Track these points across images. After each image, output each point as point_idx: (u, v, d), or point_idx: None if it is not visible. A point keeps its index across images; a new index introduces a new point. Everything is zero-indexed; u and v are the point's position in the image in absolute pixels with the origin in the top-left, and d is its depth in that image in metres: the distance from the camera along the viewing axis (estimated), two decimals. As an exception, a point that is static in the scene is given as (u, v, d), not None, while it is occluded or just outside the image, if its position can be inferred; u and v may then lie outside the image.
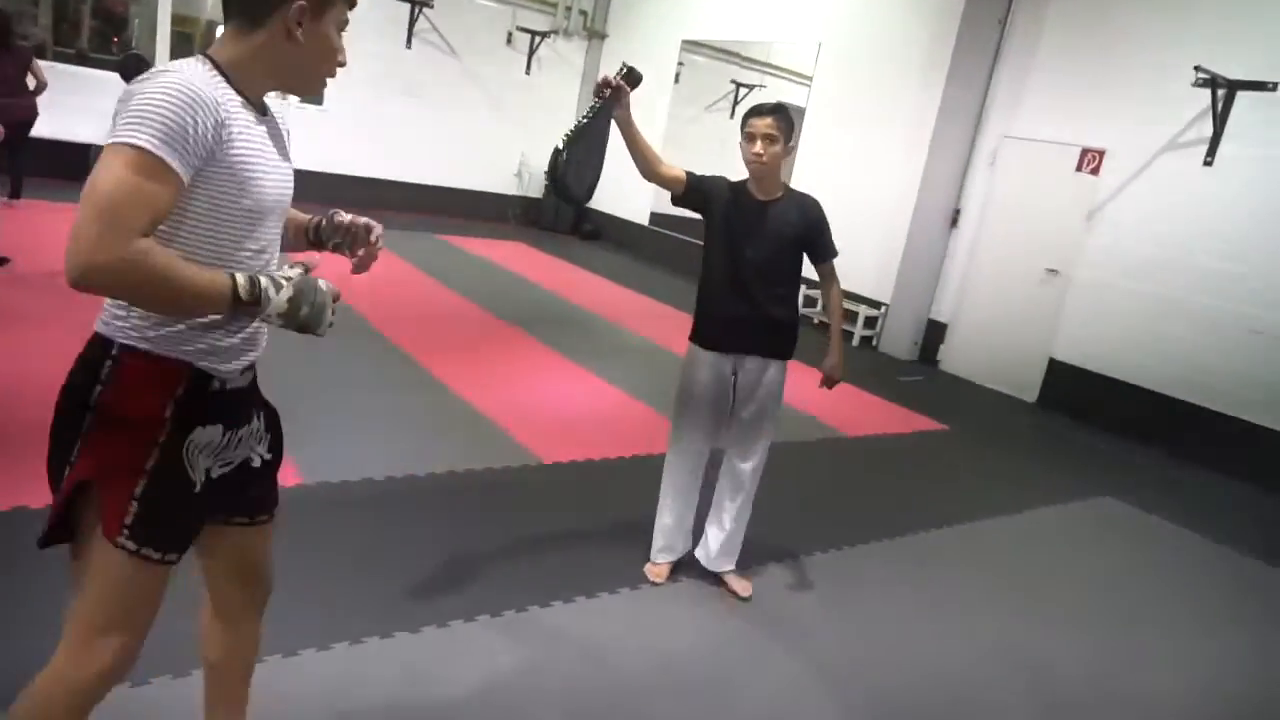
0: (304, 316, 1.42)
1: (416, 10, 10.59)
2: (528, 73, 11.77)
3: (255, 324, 1.52)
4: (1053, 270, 7.09)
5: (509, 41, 11.52)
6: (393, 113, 10.83)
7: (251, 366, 1.59)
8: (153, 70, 1.34)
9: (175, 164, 1.28)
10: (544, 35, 11.62)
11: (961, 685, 2.90)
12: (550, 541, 3.38)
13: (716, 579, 3.23)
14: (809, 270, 3.07)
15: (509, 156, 11.95)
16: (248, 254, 1.47)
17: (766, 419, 3.12)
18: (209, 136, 1.32)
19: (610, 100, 2.75)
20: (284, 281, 1.40)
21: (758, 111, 2.93)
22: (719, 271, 3.02)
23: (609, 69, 12.57)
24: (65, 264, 1.22)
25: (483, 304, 7.04)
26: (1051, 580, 3.88)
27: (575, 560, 3.25)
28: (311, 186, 11.41)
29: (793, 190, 3.07)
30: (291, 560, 2.89)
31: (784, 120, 2.92)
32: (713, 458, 3.25)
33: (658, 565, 3.22)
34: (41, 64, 7.00)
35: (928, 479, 4.97)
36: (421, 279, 7.62)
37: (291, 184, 1.57)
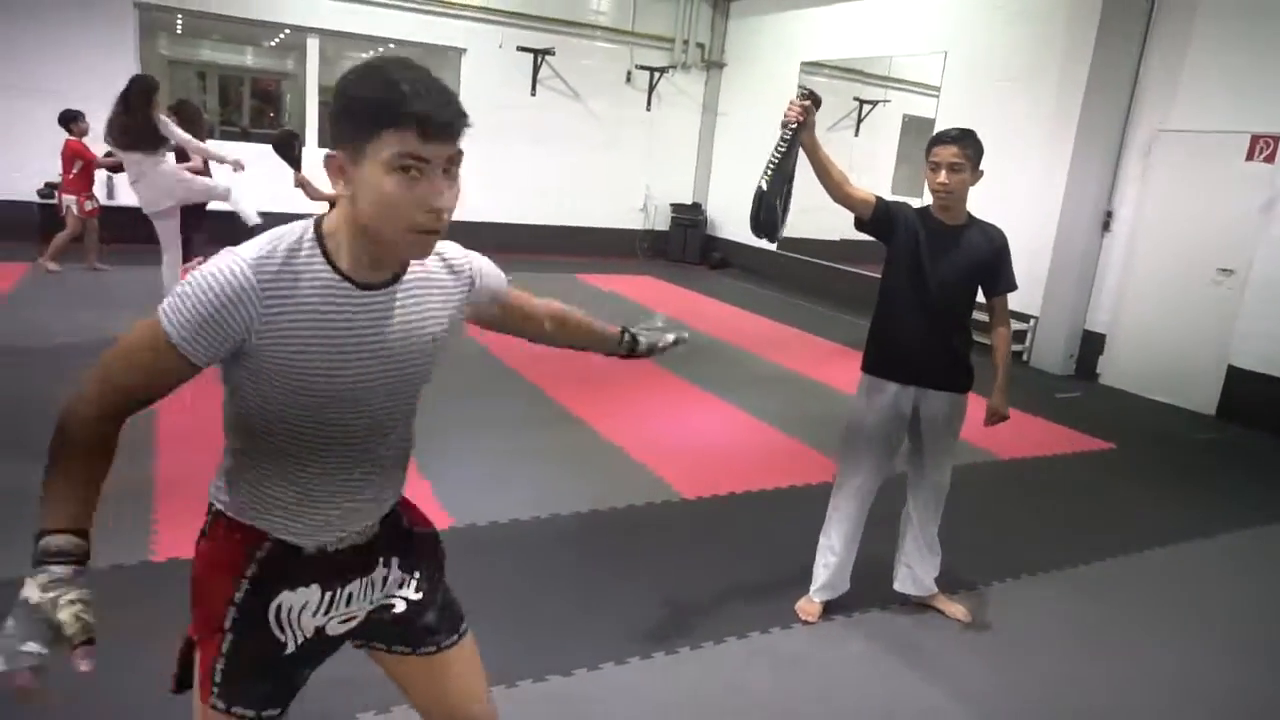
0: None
1: (539, 58, 10.97)
2: (648, 109, 11.94)
3: (351, 503, 1.41)
4: (1226, 270, 6.51)
5: (628, 80, 11.74)
6: (521, 158, 11.21)
7: (377, 522, 1.49)
8: (226, 251, 1.24)
9: (189, 352, 1.21)
10: (663, 71, 11.79)
11: (1138, 716, 2.64)
12: (697, 580, 3.32)
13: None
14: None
15: (634, 192, 12.12)
16: (313, 438, 1.34)
17: (953, 449, 3.07)
18: (240, 330, 1.21)
19: (800, 129, 2.73)
20: (51, 583, 1.15)
21: (942, 139, 2.84)
22: (903, 298, 2.92)
23: (727, 98, 12.67)
24: None
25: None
26: (1241, 613, 3.50)
27: (724, 599, 3.18)
28: (448, 234, 11.96)
29: (976, 218, 2.97)
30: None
31: (970, 146, 2.81)
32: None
33: (813, 604, 3.12)
34: (211, 143, 7.63)
35: (1094, 503, 4.61)
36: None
37: (396, 362, 1.36)
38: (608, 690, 2.58)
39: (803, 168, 2.84)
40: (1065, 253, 7.49)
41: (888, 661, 2.89)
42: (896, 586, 3.20)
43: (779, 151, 2.76)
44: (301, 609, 1.40)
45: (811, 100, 2.76)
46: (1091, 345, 7.48)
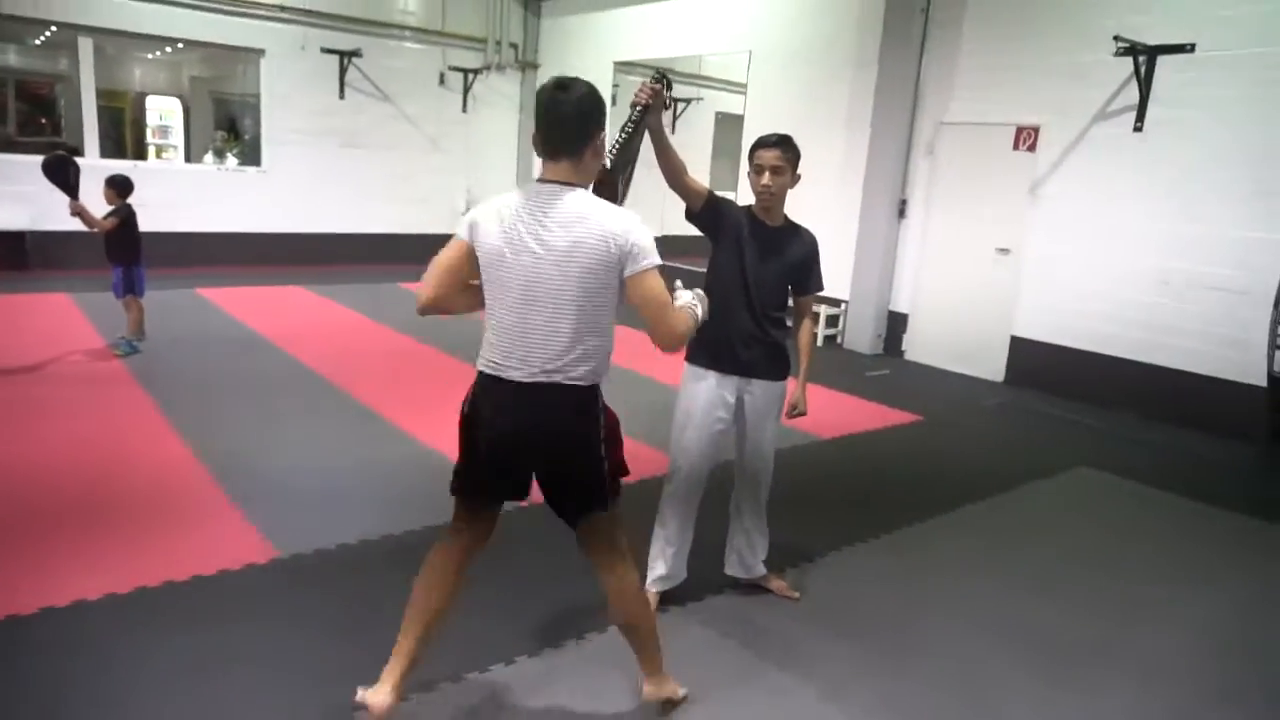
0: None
1: (346, 60, 10.54)
2: (464, 110, 11.75)
3: None
4: (1004, 249, 7.18)
5: (442, 81, 11.50)
6: (333, 165, 10.75)
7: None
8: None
9: None
10: (476, 72, 11.62)
11: (970, 661, 2.88)
12: (536, 586, 3.31)
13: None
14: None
15: (455, 194, 11.90)
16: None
17: (773, 434, 3.19)
18: None
19: (647, 110, 2.72)
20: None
21: (764, 143, 2.97)
22: (726, 292, 2.99)
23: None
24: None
25: (442, 347, 6.94)
26: (1042, 552, 3.90)
27: (565, 601, 3.19)
28: (256, 247, 11.36)
29: (792, 221, 3.13)
30: (284, 632, 2.81)
31: (790, 151, 2.97)
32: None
33: (650, 594, 3.17)
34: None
35: (909, 471, 4.98)
36: (376, 329, 7.53)
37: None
38: (446, 707, 2.53)
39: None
40: (868, 240, 8.01)
41: (727, 644, 2.99)
42: (727, 570, 3.32)
43: (624, 132, 2.74)
44: None
45: (662, 83, 2.79)
46: (896, 325, 8.06)
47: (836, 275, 8.31)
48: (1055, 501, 4.66)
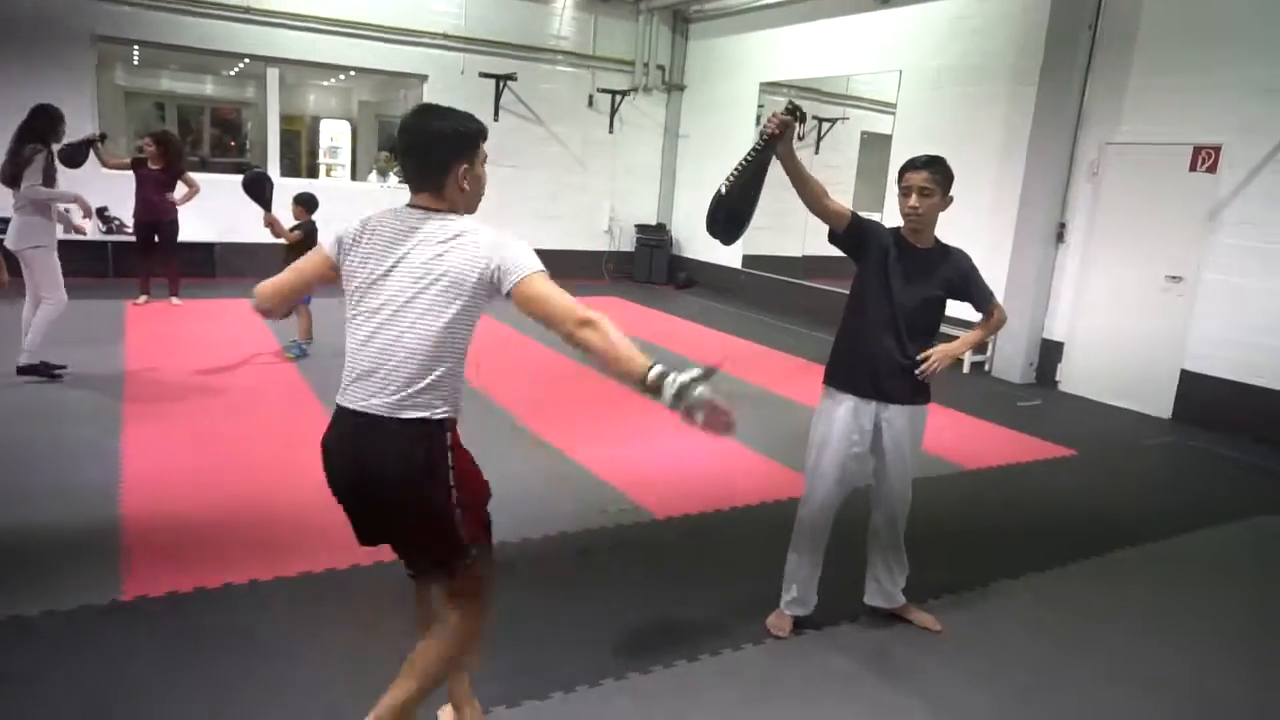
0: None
1: (501, 84, 11.03)
2: (611, 131, 12.05)
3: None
4: (1175, 277, 6.71)
5: (590, 103, 11.85)
6: (487, 183, 11.23)
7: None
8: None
9: None
10: (624, 94, 11.91)
11: (1120, 733, 2.71)
12: (670, 599, 3.35)
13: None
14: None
15: (599, 213, 12.21)
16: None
17: (913, 462, 3.12)
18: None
19: (776, 138, 2.79)
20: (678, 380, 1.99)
21: (913, 165, 2.94)
22: (868, 315, 3.00)
23: (688, 119, 12.80)
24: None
25: (585, 361, 7.12)
26: (1212, 607, 3.60)
27: (698, 617, 3.21)
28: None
29: (942, 242, 3.07)
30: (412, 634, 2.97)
31: (939, 173, 2.92)
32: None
33: (784, 618, 3.16)
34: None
35: (1058, 509, 4.72)
36: (523, 340, 7.81)
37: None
38: (582, 713, 2.59)
39: (776, 183, 2.91)
40: (1022, 264, 7.67)
41: (863, 675, 2.92)
42: (866, 600, 3.25)
43: (746, 158, 2.85)
44: None
45: (792, 115, 2.83)
46: (1050, 354, 7.65)
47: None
48: (1228, 551, 4.30)
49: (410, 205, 2.07)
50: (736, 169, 2.88)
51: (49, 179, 5.36)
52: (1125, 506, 4.80)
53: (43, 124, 5.42)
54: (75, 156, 6.33)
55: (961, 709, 2.76)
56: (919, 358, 2.96)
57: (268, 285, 2.17)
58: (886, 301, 2.96)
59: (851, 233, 3.00)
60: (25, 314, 5.47)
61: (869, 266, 3.01)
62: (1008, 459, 5.44)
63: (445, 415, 2.04)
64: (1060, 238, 7.57)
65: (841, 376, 3.06)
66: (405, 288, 1.98)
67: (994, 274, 7.72)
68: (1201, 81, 6.51)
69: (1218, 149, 6.40)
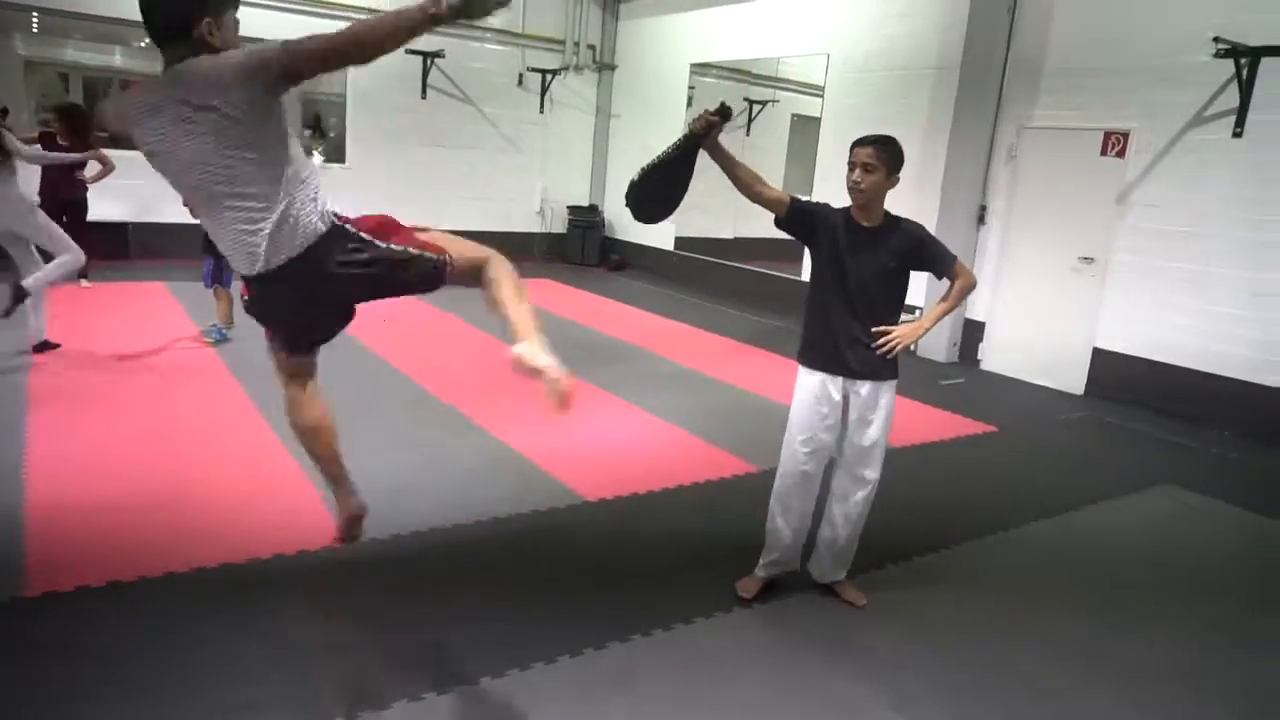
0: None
1: (429, 61, 10.80)
2: (542, 111, 11.91)
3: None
4: (1086, 258, 6.97)
5: (520, 83, 11.68)
6: (414, 163, 11.02)
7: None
8: None
9: None
10: (554, 73, 11.77)
11: (1045, 683, 2.82)
12: (603, 581, 3.36)
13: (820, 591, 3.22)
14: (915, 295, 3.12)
15: (530, 195, 12.08)
16: None
17: (882, 439, 3.17)
18: None
19: (698, 134, 2.87)
20: None
21: (859, 142, 3.00)
22: (826, 294, 3.08)
23: (620, 100, 12.70)
24: None
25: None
26: (1123, 574, 3.77)
27: (631, 599, 3.22)
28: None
29: (895, 216, 3.11)
30: (349, 621, 2.91)
31: (884, 150, 2.97)
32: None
33: (754, 581, 3.26)
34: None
35: (981, 483, 4.88)
36: (454, 323, 7.70)
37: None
38: (515, 697, 2.58)
39: (707, 165, 2.98)
40: (946, 245, 7.84)
41: (798, 653, 2.98)
42: (806, 565, 3.35)
43: (667, 150, 2.95)
44: None
45: (720, 115, 2.89)
46: (972, 333, 7.88)
47: (912, 282, 8.17)
48: (1138, 520, 4.50)
49: (168, 65, 2.12)
50: (656, 158, 2.97)
51: None
52: (1044, 479, 4.99)
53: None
54: None
55: (892, 673, 2.84)
56: (876, 331, 3.03)
57: None
58: (840, 279, 3.04)
59: (793, 217, 3.08)
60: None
61: (820, 247, 3.09)
62: (932, 436, 5.60)
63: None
64: (981, 219, 7.79)
65: (809, 353, 3.16)
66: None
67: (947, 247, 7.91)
68: (1112, 66, 6.75)
69: (1126, 134, 6.65)
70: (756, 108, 11.21)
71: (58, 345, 5.72)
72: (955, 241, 7.76)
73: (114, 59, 14.41)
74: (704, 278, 10.76)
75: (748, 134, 11.18)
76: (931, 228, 8.01)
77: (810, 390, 3.12)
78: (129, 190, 8.57)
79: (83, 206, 7.68)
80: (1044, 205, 7.29)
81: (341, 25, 2.04)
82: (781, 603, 3.25)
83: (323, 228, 2.20)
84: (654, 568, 3.49)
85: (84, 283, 7.75)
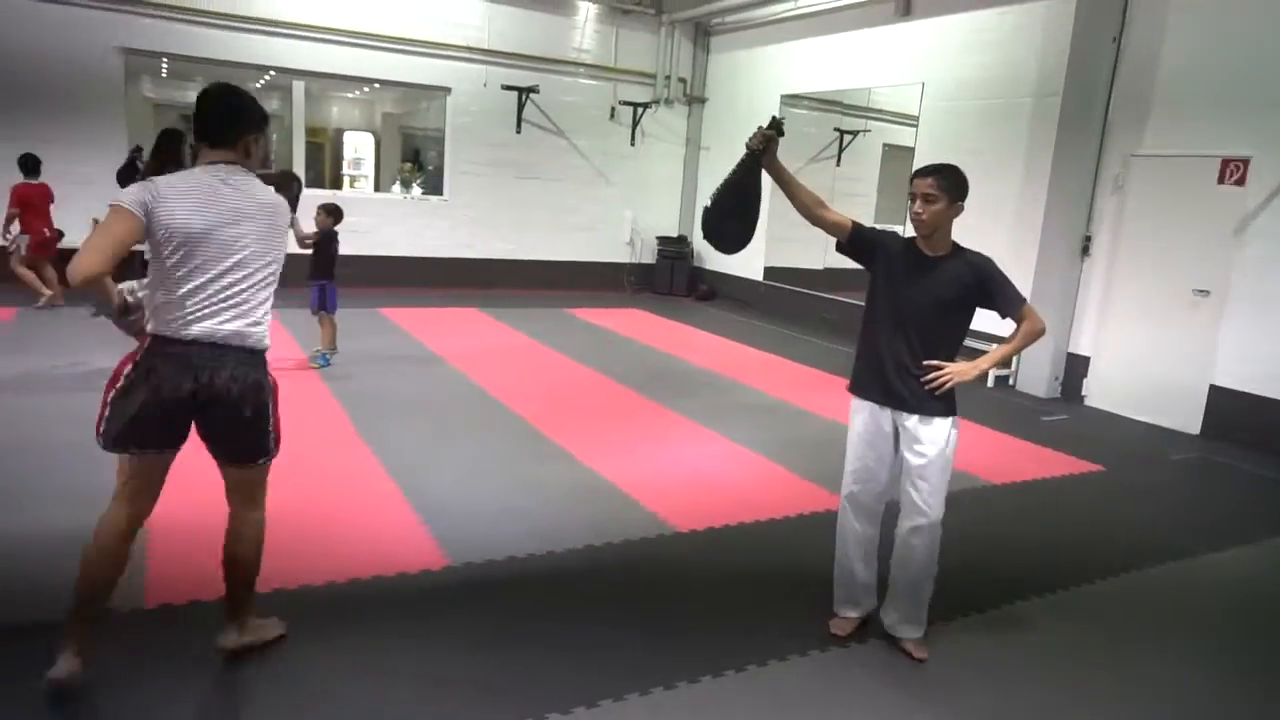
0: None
1: (524, 97, 11.11)
2: (632, 144, 12.10)
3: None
4: (1202, 290, 6.63)
5: (612, 116, 11.90)
6: (507, 196, 11.33)
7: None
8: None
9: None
10: (645, 106, 11.95)
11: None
12: (692, 613, 3.33)
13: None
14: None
15: (620, 226, 12.24)
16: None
17: (936, 480, 2.96)
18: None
19: (757, 151, 2.92)
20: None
21: (919, 173, 2.96)
22: (879, 322, 3.02)
23: (709, 132, 12.85)
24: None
25: (606, 372, 7.15)
26: (1232, 630, 3.54)
27: (721, 632, 3.19)
28: (435, 270, 12.09)
29: (962, 248, 3.01)
30: (443, 643, 2.97)
31: (945, 180, 2.90)
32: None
33: (839, 619, 3.20)
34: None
35: (1085, 525, 4.66)
36: (545, 352, 7.83)
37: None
38: (607, 727, 2.58)
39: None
40: (1046, 277, 7.60)
41: (887, 694, 2.90)
42: (881, 614, 3.20)
43: (732, 172, 3.02)
44: None
45: (774, 128, 2.91)
46: (1075, 368, 7.57)
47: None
48: (1256, 570, 4.22)
49: (212, 162, 2.50)
50: (722, 183, 3.03)
51: None
52: (1151, 524, 4.73)
53: (173, 145, 5.98)
54: (130, 176, 6.49)
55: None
56: (927, 364, 2.91)
57: (97, 259, 2.27)
58: (894, 309, 2.97)
59: (856, 241, 3.04)
60: None
61: (878, 273, 3.04)
62: (1032, 474, 5.38)
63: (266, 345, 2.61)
64: (1085, 251, 7.51)
65: (859, 383, 3.10)
66: (247, 232, 2.52)
67: (1019, 286, 7.66)
68: (1226, 93, 6.45)
69: (1246, 162, 6.33)
70: (848, 138, 11.14)
71: None
72: (1057, 274, 7.52)
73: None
74: (793, 308, 10.67)
75: (838, 164, 11.10)
76: (1032, 260, 7.86)
77: (860, 421, 3.06)
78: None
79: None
80: (1153, 236, 6.99)
81: (371, 54, 2.23)
82: (878, 642, 3.17)
83: (258, 345, 2.57)
84: (744, 601, 3.45)
85: None
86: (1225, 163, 6.46)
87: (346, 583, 3.28)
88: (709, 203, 3.09)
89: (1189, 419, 6.68)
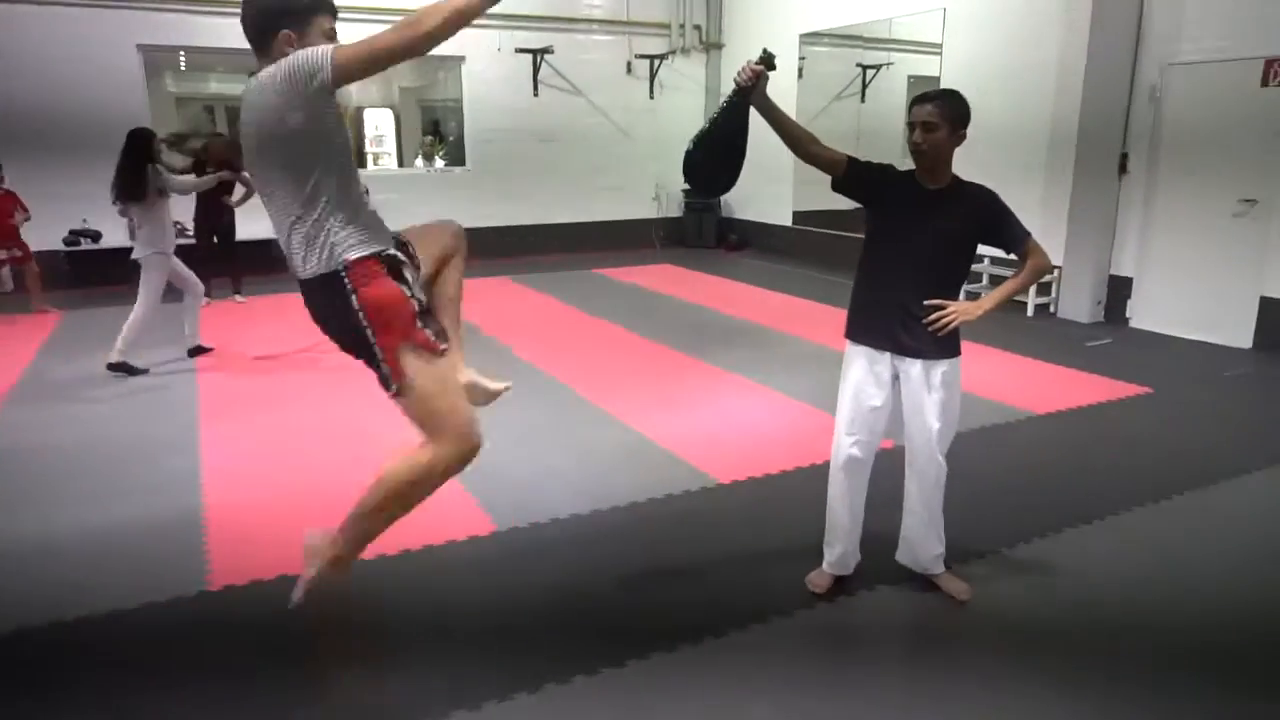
0: None
1: (539, 58, 10.99)
2: (651, 97, 11.93)
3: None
4: (1249, 200, 6.40)
5: (629, 70, 11.74)
6: (529, 160, 11.27)
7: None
8: None
9: None
10: (662, 58, 11.76)
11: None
12: (738, 565, 3.36)
13: (917, 583, 3.11)
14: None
15: (645, 181, 12.13)
16: None
17: (942, 427, 2.88)
18: None
19: (745, 88, 2.77)
20: None
21: (918, 100, 2.78)
22: (879, 263, 2.87)
23: (729, 78, 12.59)
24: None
25: (640, 330, 7.15)
26: (1302, 546, 3.47)
27: (766, 581, 3.21)
28: (468, 242, 11.94)
29: (963, 181, 2.84)
30: (490, 608, 3.03)
31: (945, 107, 2.72)
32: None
33: (823, 575, 3.10)
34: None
35: (1137, 448, 4.58)
36: (577, 315, 7.84)
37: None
38: (669, 681, 2.63)
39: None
40: (1083, 199, 7.39)
41: (889, 649, 2.90)
42: (898, 557, 3.14)
43: (718, 111, 2.88)
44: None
45: (764, 62, 2.77)
46: (1119, 290, 7.40)
47: (1049, 241, 7.73)
48: (1321, 482, 4.13)
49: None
50: (707, 123, 2.88)
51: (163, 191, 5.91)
52: (1205, 443, 4.64)
53: (145, 144, 5.90)
54: (139, 177, 6.51)
55: (989, 689, 2.72)
56: (929, 304, 2.76)
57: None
58: (898, 244, 2.80)
59: (853, 178, 2.87)
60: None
61: (877, 211, 2.87)
62: (1080, 401, 5.30)
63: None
64: (1123, 168, 7.28)
65: (855, 327, 2.94)
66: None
67: (1055, 212, 7.49)
68: (1269, -10, 6.16)
69: (1291, 61, 6.05)
70: (871, 73, 10.86)
71: (210, 349, 6.42)
72: (1094, 194, 7.30)
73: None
74: (825, 251, 10.53)
75: (863, 100, 10.85)
76: (1068, 183, 7.64)
77: (855, 368, 2.91)
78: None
79: (231, 229, 8.25)
80: (1194, 147, 6.74)
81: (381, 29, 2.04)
82: (875, 593, 3.16)
83: (326, 269, 2.30)
84: (792, 547, 3.46)
85: (238, 298, 8.34)
86: (1269, 63, 6.18)
87: (397, 554, 3.36)
88: (691, 145, 2.92)
89: (1240, 333, 6.50)
